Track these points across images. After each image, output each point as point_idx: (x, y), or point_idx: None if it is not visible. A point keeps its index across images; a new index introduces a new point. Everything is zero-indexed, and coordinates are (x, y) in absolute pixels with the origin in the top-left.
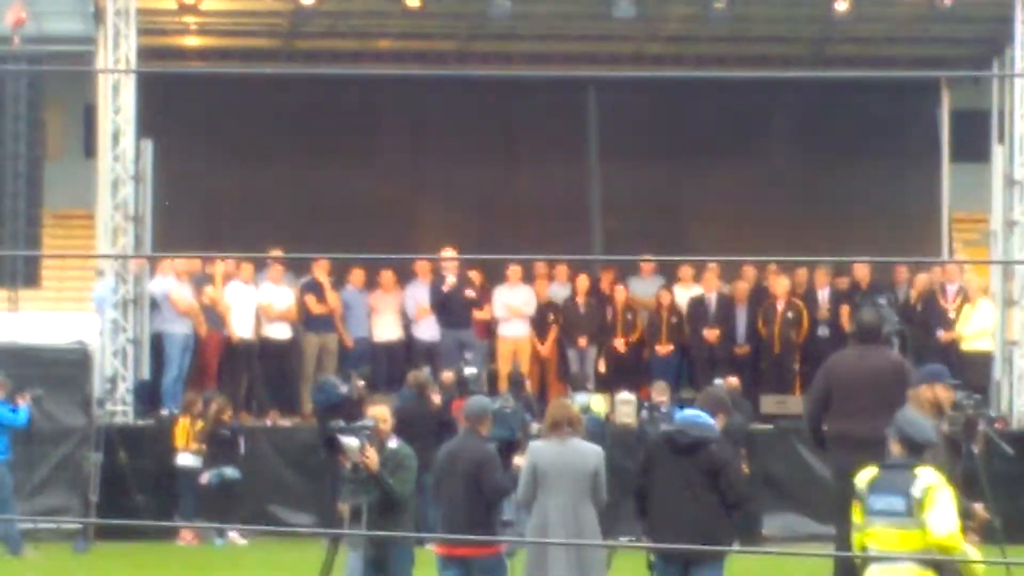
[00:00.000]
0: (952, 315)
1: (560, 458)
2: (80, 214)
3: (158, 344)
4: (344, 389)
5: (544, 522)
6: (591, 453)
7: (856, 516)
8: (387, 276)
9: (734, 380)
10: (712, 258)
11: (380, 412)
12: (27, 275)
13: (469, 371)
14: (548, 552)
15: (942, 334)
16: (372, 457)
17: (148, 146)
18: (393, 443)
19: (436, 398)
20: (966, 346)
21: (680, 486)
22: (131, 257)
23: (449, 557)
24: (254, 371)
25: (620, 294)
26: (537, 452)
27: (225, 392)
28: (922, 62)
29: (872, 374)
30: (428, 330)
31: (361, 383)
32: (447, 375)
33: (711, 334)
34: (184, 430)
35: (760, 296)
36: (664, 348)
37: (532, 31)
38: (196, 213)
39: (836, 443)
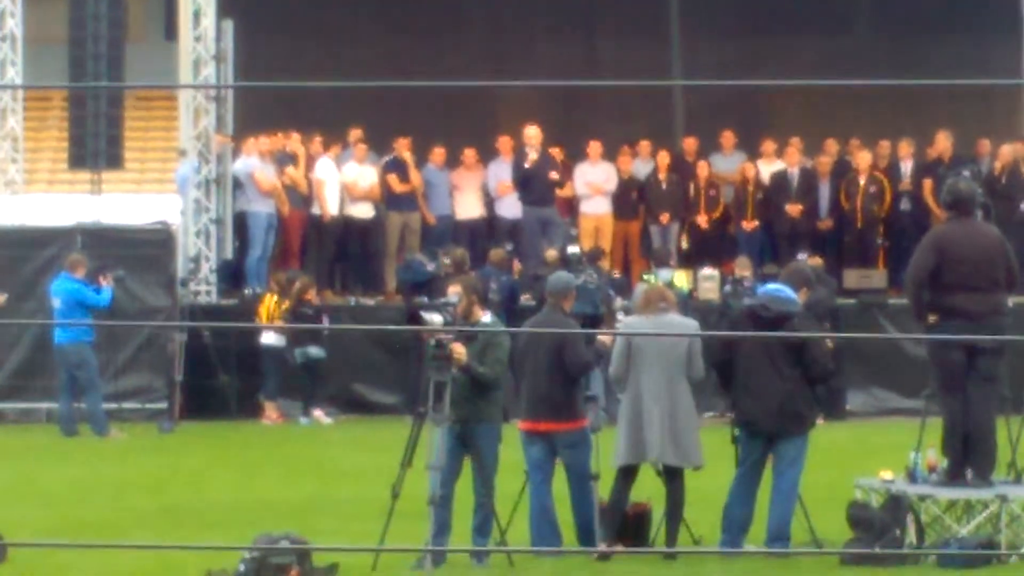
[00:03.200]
0: None
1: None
2: (162, 95)
3: (242, 224)
4: (431, 267)
5: (638, 398)
6: (686, 328)
7: None
8: (469, 154)
9: (818, 259)
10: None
11: (463, 285)
12: (110, 157)
13: (572, 249)
14: (643, 427)
15: None
16: (460, 353)
17: (229, 26)
18: (486, 317)
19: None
20: None
21: (764, 361)
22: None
23: (533, 432)
24: (337, 250)
25: (703, 170)
26: (631, 328)
27: (308, 271)
28: None
29: (983, 250)
30: (510, 208)
31: (447, 261)
32: (551, 253)
33: (793, 209)
34: (268, 309)
35: (842, 170)
36: (748, 224)
37: None
38: (277, 93)
39: (946, 317)
